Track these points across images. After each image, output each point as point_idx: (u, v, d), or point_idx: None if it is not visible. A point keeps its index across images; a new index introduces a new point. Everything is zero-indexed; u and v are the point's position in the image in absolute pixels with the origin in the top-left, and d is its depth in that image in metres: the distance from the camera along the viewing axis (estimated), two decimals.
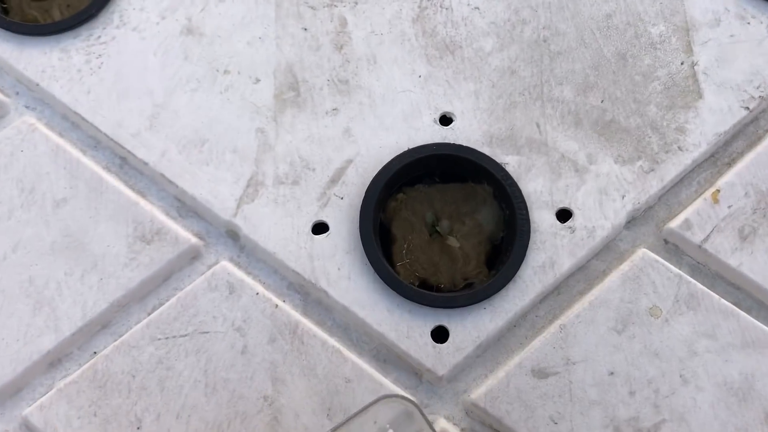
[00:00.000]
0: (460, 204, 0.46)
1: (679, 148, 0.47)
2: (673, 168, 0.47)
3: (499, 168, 0.46)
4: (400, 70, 0.49)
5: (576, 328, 0.44)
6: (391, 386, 0.42)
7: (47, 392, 0.42)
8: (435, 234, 0.46)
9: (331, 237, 0.45)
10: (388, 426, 0.40)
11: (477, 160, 0.46)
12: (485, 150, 0.47)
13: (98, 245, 0.45)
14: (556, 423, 0.42)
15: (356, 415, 0.39)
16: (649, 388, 0.42)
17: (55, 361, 0.43)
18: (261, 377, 0.42)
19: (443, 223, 0.46)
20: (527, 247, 0.44)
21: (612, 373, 0.43)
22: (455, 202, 0.47)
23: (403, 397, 0.39)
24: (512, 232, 0.45)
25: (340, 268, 0.45)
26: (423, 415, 0.38)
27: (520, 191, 0.45)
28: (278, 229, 0.45)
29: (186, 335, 0.43)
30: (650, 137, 0.47)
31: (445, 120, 0.48)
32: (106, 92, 0.48)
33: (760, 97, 0.48)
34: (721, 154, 0.48)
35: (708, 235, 0.45)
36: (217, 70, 0.49)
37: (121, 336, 0.43)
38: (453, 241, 0.45)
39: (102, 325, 0.44)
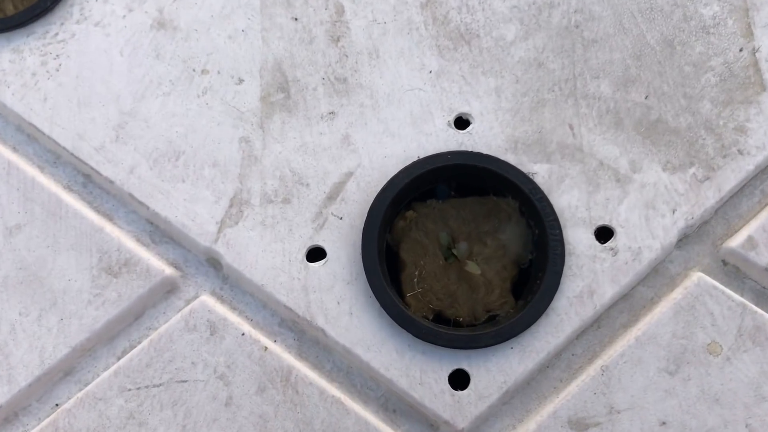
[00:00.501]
0: (480, 222, 0.40)
1: (739, 152, 0.40)
2: (732, 175, 0.40)
3: (526, 179, 0.39)
4: (408, 65, 0.43)
5: (620, 370, 0.37)
6: None
7: None
8: (451, 258, 0.39)
9: (329, 264, 0.39)
10: None
11: (499, 170, 0.40)
12: (509, 158, 0.40)
13: (58, 279, 0.39)
14: None
15: None
16: None
17: (11, 415, 0.38)
18: None
19: (461, 245, 0.39)
20: (561, 273, 0.38)
21: (664, 423, 0.36)
22: (474, 220, 0.40)
23: None
24: (543, 255, 0.38)
25: (340, 302, 0.38)
26: None
27: (551, 206, 0.39)
28: (267, 256, 0.39)
29: (161, 385, 0.37)
30: (704, 139, 0.41)
31: (461, 123, 0.42)
32: (65, 99, 0.42)
33: None
34: None
35: None
36: (194, 70, 0.42)
37: (86, 385, 0.38)
38: (473, 267, 0.39)
39: (64, 372, 0.38)
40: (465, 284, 0.39)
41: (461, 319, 0.39)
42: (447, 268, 0.40)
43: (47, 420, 0.37)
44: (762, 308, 0.38)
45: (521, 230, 0.40)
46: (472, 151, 0.40)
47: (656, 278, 0.39)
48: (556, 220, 0.39)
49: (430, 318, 0.39)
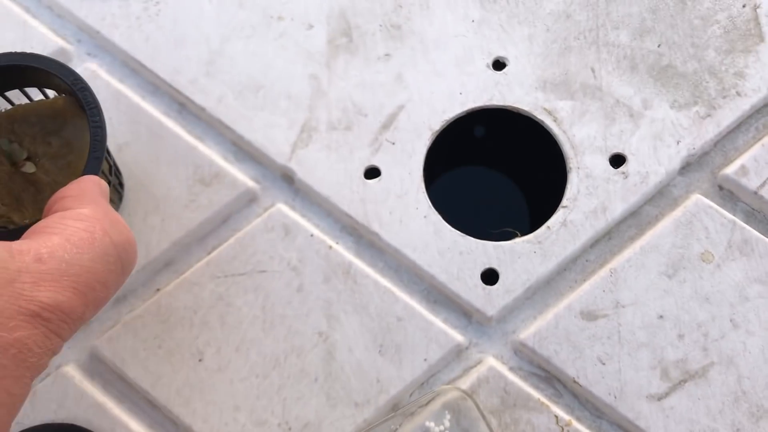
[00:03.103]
0: (45, 123, 0.44)
1: (738, 93, 0.49)
2: (730, 113, 0.49)
3: (68, 72, 0.42)
4: (453, 15, 0.52)
5: (626, 272, 0.46)
6: (441, 325, 0.46)
7: (114, 326, 0.47)
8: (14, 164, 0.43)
9: (383, 181, 0.49)
10: (446, 412, 0.44)
11: (41, 65, 0.42)
12: (538, 96, 0.50)
13: (159, 187, 0.49)
14: (603, 363, 0.45)
15: (415, 400, 0.43)
16: (699, 332, 0.45)
17: (121, 297, 0.48)
18: (316, 314, 0.46)
19: (13, 148, 0.43)
20: (101, 158, 0.41)
21: (661, 317, 0.46)
22: (40, 122, 0.44)
23: (458, 389, 0.44)
24: (91, 142, 0.41)
25: (392, 212, 0.48)
26: (476, 403, 0.43)
27: (93, 95, 0.42)
28: (331, 173, 0.49)
29: (244, 273, 0.47)
30: (708, 82, 0.49)
31: (498, 65, 0.51)
32: (164, 39, 0.52)
33: None
34: None
35: (765, 181, 0.47)
36: (271, 17, 0.52)
37: (182, 274, 0.48)
38: (29, 167, 0.42)
39: (164, 263, 0.49)
40: (32, 187, 0.43)
41: (27, 222, 0.41)
42: (14, 173, 0.42)
43: (151, 300, 0.48)
44: (750, 225, 0.47)
45: (84, 123, 0.43)
46: (13, 52, 0.43)
47: (661, 199, 0.48)
48: (96, 107, 0.42)
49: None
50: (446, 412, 0.44)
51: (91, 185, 0.37)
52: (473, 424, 0.44)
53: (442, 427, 0.44)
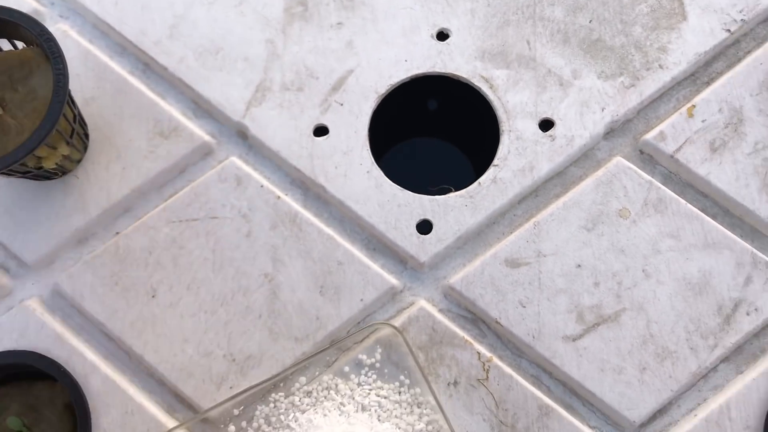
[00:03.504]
0: (13, 72, 0.47)
1: (660, 66, 0.53)
2: (652, 84, 0.53)
3: (36, 25, 0.46)
4: None
5: (549, 226, 0.51)
6: (378, 270, 0.50)
7: (75, 264, 0.51)
8: None
9: (330, 139, 0.53)
10: (378, 347, 0.48)
11: (13, 19, 0.46)
12: (476, 64, 0.54)
13: (122, 139, 0.53)
14: (524, 307, 0.49)
15: (350, 335, 0.47)
16: (613, 281, 0.49)
17: (82, 239, 0.52)
18: (262, 257, 0.50)
19: None
20: (63, 102, 0.45)
21: (579, 266, 0.50)
22: (8, 71, 0.47)
23: (389, 324, 0.48)
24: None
25: (337, 167, 0.52)
26: (406, 339, 0.47)
27: (57, 45, 0.46)
28: (283, 130, 0.53)
29: (198, 219, 0.51)
30: (633, 55, 0.54)
31: (442, 36, 0.55)
32: (131, 3, 0.56)
33: (742, 20, 0.54)
34: (701, 74, 0.54)
35: (680, 146, 0.52)
36: None
37: (140, 219, 0.52)
38: None
39: (124, 209, 0.52)
40: None
41: None
42: None
43: (110, 242, 0.51)
44: (666, 186, 0.51)
45: (50, 74, 0.47)
46: None
47: (585, 161, 0.53)
48: (60, 57, 0.46)
49: None
50: (378, 347, 0.48)
51: None
52: (402, 358, 0.48)
53: (373, 360, 0.48)
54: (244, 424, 0.47)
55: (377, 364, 0.48)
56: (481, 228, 0.52)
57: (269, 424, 0.47)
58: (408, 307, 0.50)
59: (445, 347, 0.49)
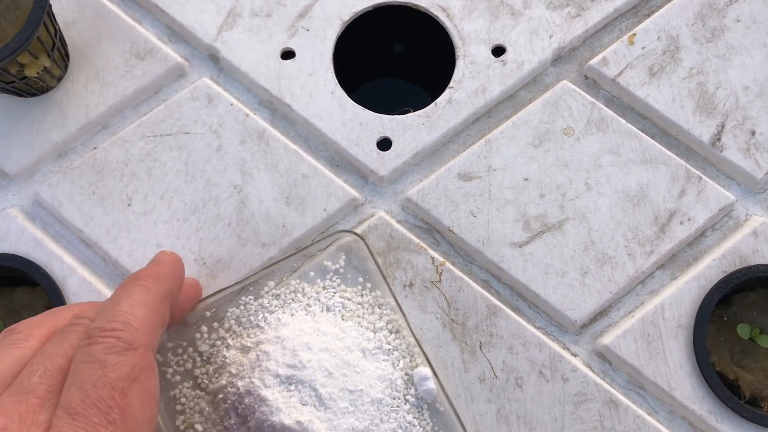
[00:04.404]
0: None
1: None
2: (597, 14, 0.56)
3: None
4: None
5: (499, 143, 0.53)
6: (340, 183, 0.52)
7: (54, 176, 0.53)
8: None
9: (297, 62, 0.55)
10: (342, 253, 0.50)
11: None
12: None
13: (100, 59, 0.55)
14: (475, 216, 0.52)
15: (315, 243, 0.49)
16: (557, 192, 0.52)
17: (62, 152, 0.54)
18: (232, 170, 0.53)
19: None
20: (44, 9, 0.47)
21: (526, 179, 0.52)
22: None
23: (352, 232, 0.50)
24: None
25: (303, 88, 0.54)
26: (367, 244, 0.49)
27: None
28: (252, 53, 0.55)
29: (171, 134, 0.53)
30: None
31: None
32: None
33: None
34: (642, 6, 0.57)
35: (621, 71, 0.54)
36: None
37: (117, 134, 0.54)
38: None
39: (101, 126, 0.54)
40: None
41: None
42: None
43: (88, 155, 0.53)
44: (608, 108, 0.54)
45: None
46: None
47: (534, 85, 0.55)
48: None
49: None
50: (342, 253, 0.51)
51: None
52: (364, 263, 0.50)
53: (337, 266, 0.51)
54: (215, 324, 0.49)
55: (341, 270, 0.50)
56: (437, 145, 0.54)
57: (240, 324, 0.49)
58: (368, 218, 0.52)
59: (401, 252, 0.51)
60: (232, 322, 0.49)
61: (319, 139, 0.54)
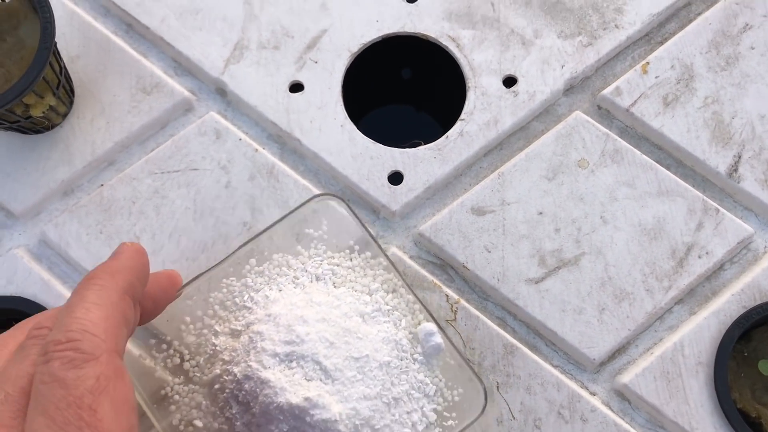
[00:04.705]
0: (1, 23, 0.48)
1: (616, 26, 0.55)
2: (609, 43, 0.54)
3: None
4: None
5: (512, 176, 0.52)
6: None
7: (61, 215, 0.52)
8: None
9: (305, 95, 0.54)
10: (323, 218, 0.48)
11: None
12: (443, 25, 0.55)
13: (106, 94, 0.53)
14: (489, 252, 0.50)
15: (294, 210, 0.47)
16: (573, 227, 0.51)
17: (68, 190, 0.53)
18: (241, 207, 0.51)
19: None
20: (50, 49, 0.46)
21: (541, 213, 0.51)
22: None
23: (331, 194, 0.47)
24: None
25: (312, 122, 0.53)
26: (348, 205, 0.47)
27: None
28: (260, 87, 0.54)
29: (179, 171, 0.52)
30: (591, 16, 0.55)
31: None
32: None
33: None
34: (655, 34, 0.56)
35: (635, 101, 0.53)
36: None
37: (124, 171, 0.53)
38: None
39: (108, 162, 0.53)
40: None
41: None
42: None
43: (95, 193, 0.52)
44: (622, 139, 0.53)
45: (37, 25, 0.48)
46: None
47: (546, 116, 0.54)
48: (47, 5, 0.46)
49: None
50: (323, 219, 0.47)
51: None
52: (348, 226, 0.47)
53: (320, 232, 0.47)
54: (199, 312, 0.46)
55: (325, 236, 0.47)
56: (449, 179, 0.53)
57: (225, 308, 0.46)
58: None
59: (415, 290, 0.50)
60: (217, 307, 0.46)
61: (329, 174, 0.53)
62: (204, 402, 0.44)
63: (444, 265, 0.51)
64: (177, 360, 0.45)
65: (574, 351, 0.49)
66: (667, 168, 0.52)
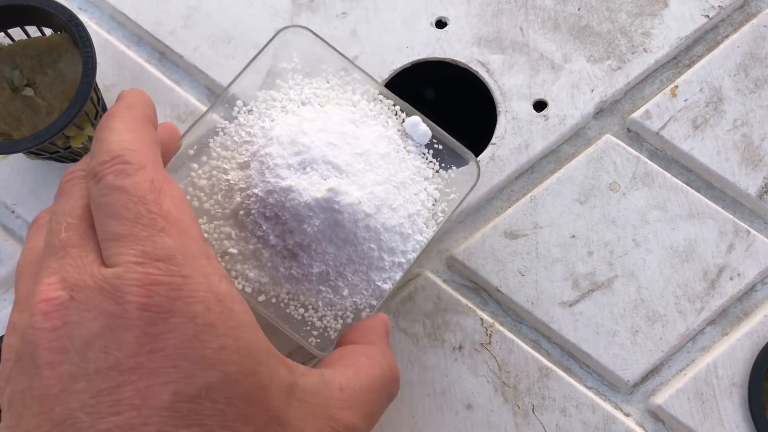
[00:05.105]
0: (42, 56, 0.49)
1: (645, 50, 0.55)
2: (637, 67, 0.55)
3: (64, 10, 0.47)
4: None
5: (545, 199, 0.52)
6: None
7: None
8: (15, 88, 0.48)
9: None
10: (292, 52, 0.49)
11: (40, 4, 0.47)
12: (473, 50, 0.55)
13: None
14: (523, 275, 0.50)
15: (265, 46, 0.48)
16: (605, 250, 0.51)
17: None
18: None
19: (14, 74, 0.48)
20: (92, 83, 0.46)
21: (573, 236, 0.51)
22: (38, 55, 0.49)
23: (294, 25, 0.49)
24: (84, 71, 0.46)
25: None
26: (312, 32, 0.48)
27: (85, 29, 0.47)
28: None
29: None
30: (619, 40, 0.55)
31: (440, 24, 0.57)
32: None
33: (719, 6, 0.56)
34: (683, 57, 0.56)
35: (665, 124, 0.53)
36: None
37: None
38: (28, 91, 0.48)
39: None
40: (29, 109, 0.48)
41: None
42: (14, 98, 0.48)
43: None
44: (652, 161, 0.53)
45: (76, 58, 0.49)
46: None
47: (577, 139, 0.54)
48: (88, 40, 0.46)
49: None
50: (292, 52, 0.49)
51: (379, 325, 0.42)
52: (314, 52, 0.51)
53: (293, 64, 0.49)
54: (204, 158, 0.46)
55: (298, 66, 0.49)
56: (481, 203, 0.53)
57: (227, 149, 0.46)
58: (414, 279, 0.51)
59: (449, 314, 0.50)
60: (219, 150, 0.46)
61: None
62: (233, 231, 0.44)
63: (477, 289, 0.51)
64: (195, 203, 0.45)
65: (608, 373, 0.49)
66: (698, 190, 0.52)
